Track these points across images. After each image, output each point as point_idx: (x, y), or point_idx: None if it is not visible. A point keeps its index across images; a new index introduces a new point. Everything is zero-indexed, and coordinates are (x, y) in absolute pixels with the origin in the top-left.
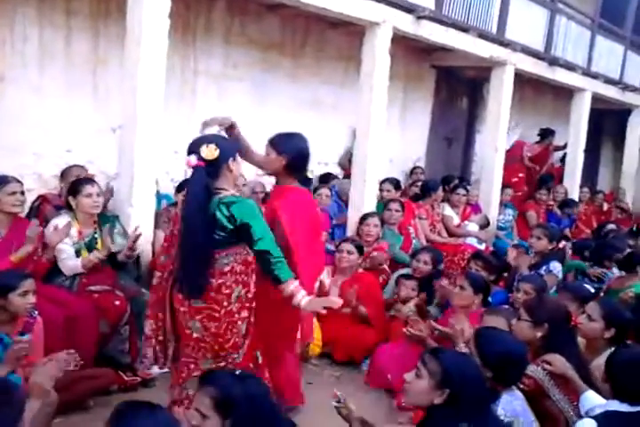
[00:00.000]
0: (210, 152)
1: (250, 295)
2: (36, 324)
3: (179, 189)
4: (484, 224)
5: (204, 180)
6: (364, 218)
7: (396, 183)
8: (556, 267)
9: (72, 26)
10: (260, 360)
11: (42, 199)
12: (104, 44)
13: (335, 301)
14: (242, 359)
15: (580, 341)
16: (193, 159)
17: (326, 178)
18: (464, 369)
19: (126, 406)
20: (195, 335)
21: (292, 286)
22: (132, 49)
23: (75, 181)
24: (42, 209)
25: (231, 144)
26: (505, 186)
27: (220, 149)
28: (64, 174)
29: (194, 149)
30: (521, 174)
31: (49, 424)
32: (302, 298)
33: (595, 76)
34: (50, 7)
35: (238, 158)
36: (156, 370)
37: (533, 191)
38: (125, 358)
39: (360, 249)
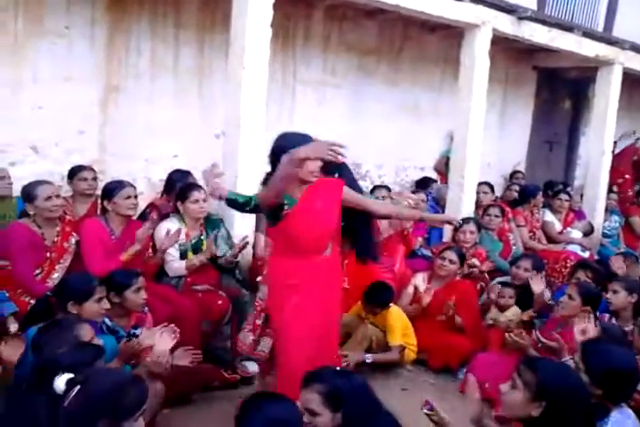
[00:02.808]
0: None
1: None
2: (147, 319)
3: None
4: (588, 231)
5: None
6: (459, 224)
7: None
8: None
9: (180, 38)
10: None
11: (152, 208)
12: (209, 54)
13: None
14: None
15: None
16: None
17: (424, 183)
18: (562, 380)
19: (256, 396)
20: None
21: None
22: (235, 58)
23: (183, 187)
24: (150, 216)
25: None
26: (609, 190)
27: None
28: (168, 179)
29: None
30: (627, 176)
31: (156, 414)
32: None
33: None
34: (162, 22)
35: None
36: (254, 368)
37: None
38: (227, 356)
39: (462, 258)
